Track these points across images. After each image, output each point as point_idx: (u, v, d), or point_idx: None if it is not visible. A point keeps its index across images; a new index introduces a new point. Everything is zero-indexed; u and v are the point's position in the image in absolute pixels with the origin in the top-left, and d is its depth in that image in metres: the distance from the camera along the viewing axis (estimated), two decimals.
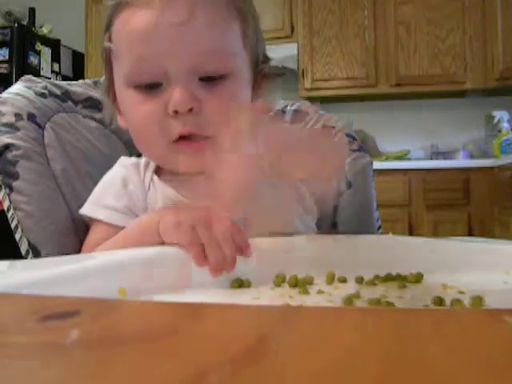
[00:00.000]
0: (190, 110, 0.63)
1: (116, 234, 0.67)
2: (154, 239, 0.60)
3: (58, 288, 0.45)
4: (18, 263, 0.59)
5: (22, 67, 3.52)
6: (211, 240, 0.55)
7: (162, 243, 0.60)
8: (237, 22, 0.67)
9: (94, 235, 0.72)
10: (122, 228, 0.68)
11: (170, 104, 0.63)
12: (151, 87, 0.64)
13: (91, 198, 0.74)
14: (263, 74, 0.75)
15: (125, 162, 0.77)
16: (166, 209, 0.66)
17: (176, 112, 0.63)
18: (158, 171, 0.74)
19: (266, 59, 0.76)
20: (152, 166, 0.75)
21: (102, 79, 0.82)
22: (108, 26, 0.68)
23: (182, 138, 0.65)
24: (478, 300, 0.44)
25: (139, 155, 0.91)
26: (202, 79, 0.64)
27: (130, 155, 0.90)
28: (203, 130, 0.65)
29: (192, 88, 0.64)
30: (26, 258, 0.74)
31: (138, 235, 0.63)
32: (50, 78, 3.59)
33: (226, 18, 0.65)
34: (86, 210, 0.73)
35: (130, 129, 0.71)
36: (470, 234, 3.02)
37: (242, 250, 0.56)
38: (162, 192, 0.72)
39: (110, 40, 0.68)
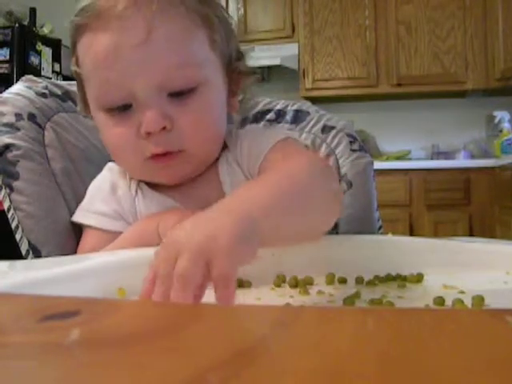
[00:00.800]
0: (163, 128, 0.63)
1: (107, 239, 0.68)
2: (154, 240, 0.60)
3: (57, 288, 0.45)
4: (18, 263, 0.59)
5: (23, 67, 3.52)
6: None
7: None
8: (202, 29, 0.66)
9: (85, 242, 0.73)
10: (113, 232, 0.69)
11: (142, 126, 0.63)
12: (122, 109, 0.64)
13: (82, 204, 0.75)
14: (238, 71, 0.74)
15: (112, 167, 0.78)
16: (165, 211, 0.67)
17: (149, 133, 0.63)
18: None
19: (240, 55, 0.75)
20: None
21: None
22: (73, 49, 0.68)
23: (156, 155, 0.65)
24: (479, 300, 0.44)
25: None
26: (171, 95, 0.64)
27: None
28: (176, 146, 0.65)
29: (162, 106, 0.63)
30: (26, 259, 0.75)
31: (136, 238, 0.64)
32: (50, 78, 3.59)
33: (189, 27, 0.64)
34: (77, 216, 0.75)
35: (106, 146, 0.72)
36: (471, 234, 3.02)
37: None
38: (152, 198, 0.72)
39: (77, 63, 0.68)
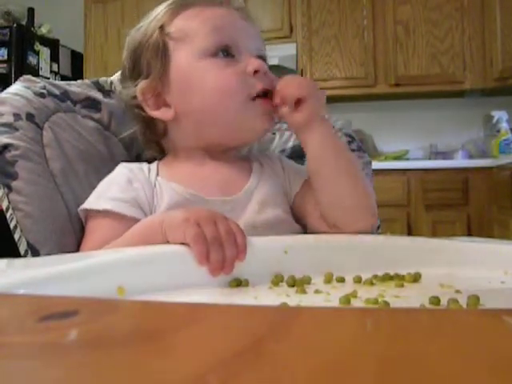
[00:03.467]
0: (265, 73, 0.76)
1: (121, 228, 0.68)
2: (158, 239, 0.60)
3: (56, 287, 0.45)
4: (17, 261, 0.59)
5: (21, 67, 3.51)
6: (215, 237, 0.56)
7: (165, 243, 0.61)
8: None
9: (93, 235, 0.72)
10: (129, 219, 0.69)
11: (249, 66, 0.75)
12: (226, 55, 0.76)
13: (94, 194, 0.75)
14: None
15: (128, 165, 0.79)
16: (171, 210, 0.67)
17: (255, 72, 0.75)
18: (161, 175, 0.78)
19: None
20: (154, 170, 0.78)
21: (126, 89, 0.86)
22: (165, 23, 0.78)
23: (259, 97, 0.75)
24: (474, 299, 0.45)
25: (137, 156, 0.91)
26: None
27: (128, 155, 0.90)
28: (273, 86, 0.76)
29: None
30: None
31: (141, 237, 0.64)
32: (48, 78, 3.58)
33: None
34: (90, 204, 0.74)
35: (199, 100, 0.76)
36: (469, 234, 3.02)
37: (238, 253, 0.57)
38: (168, 187, 0.74)
39: (164, 34, 0.77)
